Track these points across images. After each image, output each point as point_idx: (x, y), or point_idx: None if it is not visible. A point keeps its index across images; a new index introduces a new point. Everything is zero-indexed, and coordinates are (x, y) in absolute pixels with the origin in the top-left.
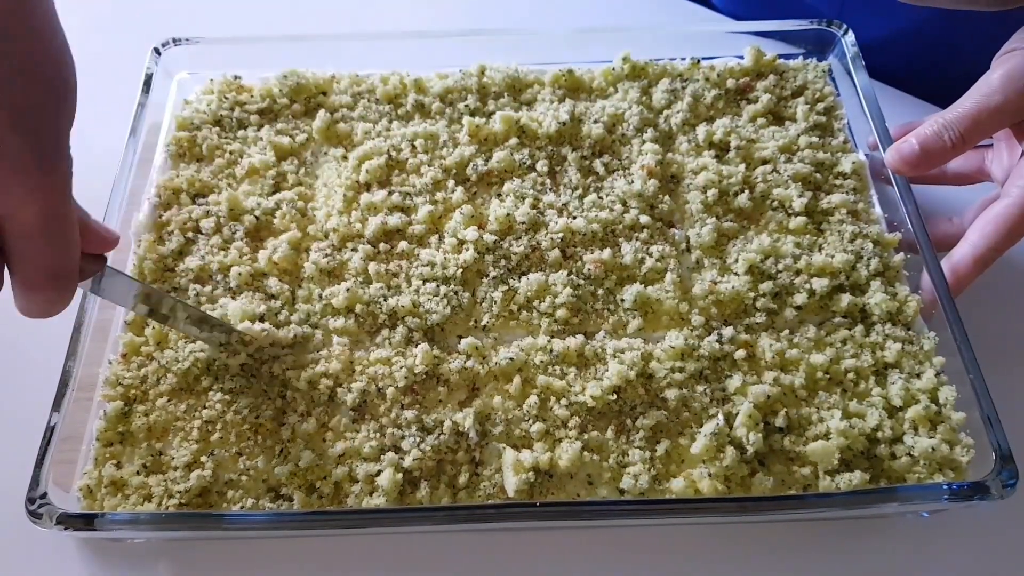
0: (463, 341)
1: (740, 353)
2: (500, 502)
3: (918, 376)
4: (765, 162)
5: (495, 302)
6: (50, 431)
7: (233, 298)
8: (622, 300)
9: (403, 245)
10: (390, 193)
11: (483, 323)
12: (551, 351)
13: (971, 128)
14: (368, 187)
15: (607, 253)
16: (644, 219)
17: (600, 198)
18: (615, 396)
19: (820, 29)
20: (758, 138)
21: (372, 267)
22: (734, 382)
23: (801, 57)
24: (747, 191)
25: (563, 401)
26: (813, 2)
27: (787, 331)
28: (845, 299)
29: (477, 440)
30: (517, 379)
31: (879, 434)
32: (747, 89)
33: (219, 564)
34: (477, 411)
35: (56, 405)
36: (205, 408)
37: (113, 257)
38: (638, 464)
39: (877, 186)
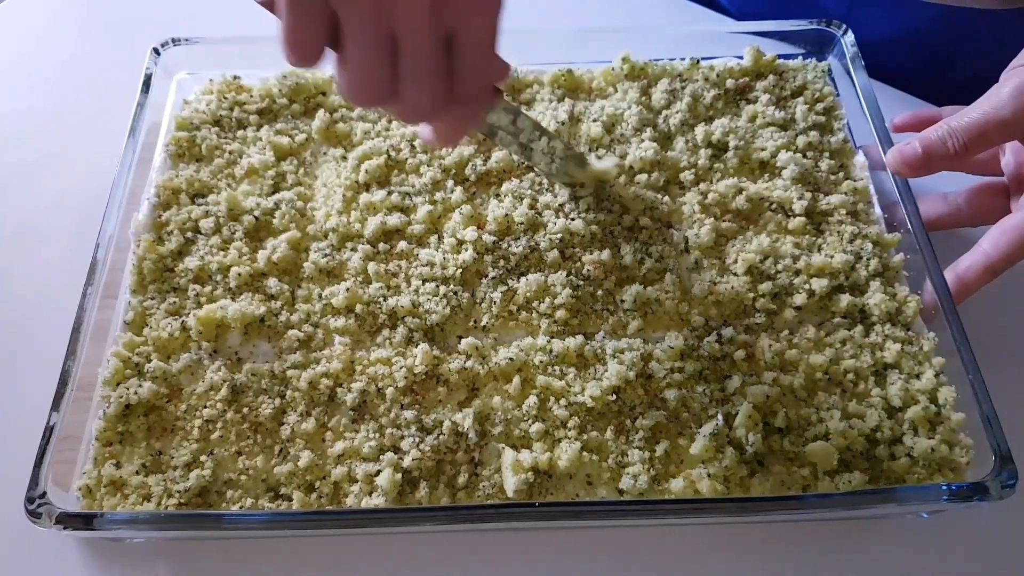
0: (463, 341)
1: (739, 353)
2: (499, 502)
3: (917, 377)
4: (764, 163)
5: (495, 302)
6: (49, 431)
7: (233, 299)
8: (621, 301)
9: (402, 245)
10: (389, 193)
11: (483, 323)
12: (551, 351)
13: (976, 139)
14: (367, 187)
15: (606, 254)
16: (643, 220)
17: (599, 198)
18: (614, 396)
19: (819, 29)
20: (757, 138)
21: (371, 267)
22: (733, 382)
23: (801, 57)
24: (745, 192)
25: (562, 401)
26: (821, 1)
27: (786, 331)
28: (844, 299)
29: (476, 440)
30: (516, 379)
31: (878, 435)
32: (746, 89)
33: (218, 564)
34: (476, 411)
35: (55, 405)
36: (205, 407)
37: (113, 256)
38: (637, 464)
39: (877, 186)
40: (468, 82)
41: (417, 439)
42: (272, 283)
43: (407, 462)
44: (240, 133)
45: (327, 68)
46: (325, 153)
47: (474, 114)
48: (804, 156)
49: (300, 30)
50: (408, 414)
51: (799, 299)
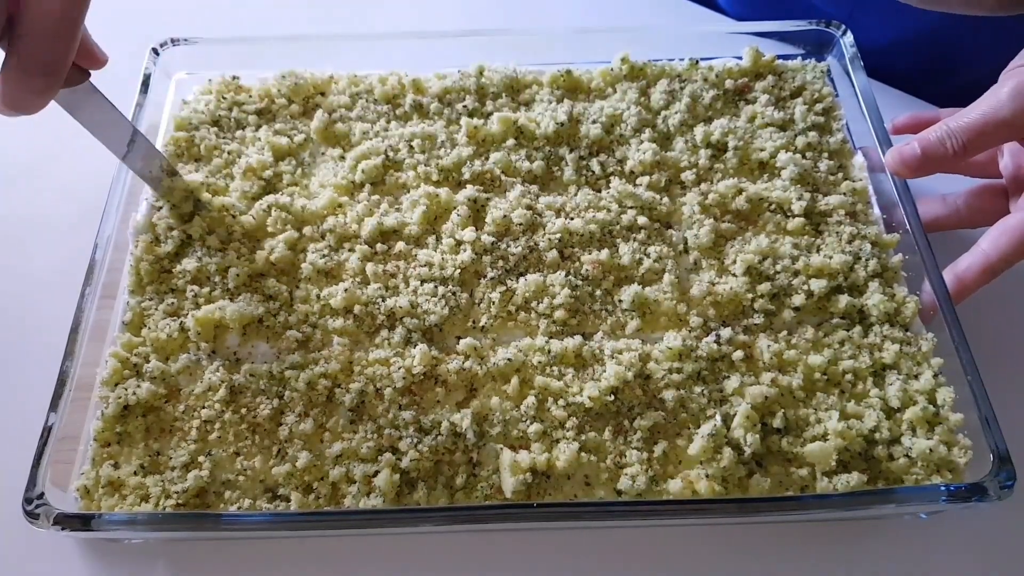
0: (461, 342)
1: (738, 354)
2: (497, 503)
3: (916, 377)
4: (763, 163)
5: (493, 303)
6: (47, 431)
7: (231, 299)
8: (620, 301)
9: (400, 246)
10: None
11: (481, 324)
12: (549, 352)
13: (975, 139)
14: (363, 187)
15: (605, 254)
16: (642, 220)
17: (598, 199)
18: (613, 397)
19: (819, 30)
20: (756, 139)
21: (369, 268)
22: (732, 383)
23: (800, 58)
24: (745, 192)
25: (561, 402)
26: (823, 5)
27: (785, 332)
28: (843, 300)
29: (474, 441)
30: (515, 380)
31: (877, 435)
32: (745, 90)
33: (216, 564)
34: (475, 412)
35: (53, 405)
36: (204, 408)
37: (112, 257)
38: (635, 465)
39: (875, 187)
40: (24, 55)
41: (415, 440)
42: (270, 284)
43: (405, 463)
44: (239, 133)
45: (327, 67)
46: (323, 153)
47: (40, 89)
48: (803, 157)
49: None
50: (406, 415)
51: (798, 300)
